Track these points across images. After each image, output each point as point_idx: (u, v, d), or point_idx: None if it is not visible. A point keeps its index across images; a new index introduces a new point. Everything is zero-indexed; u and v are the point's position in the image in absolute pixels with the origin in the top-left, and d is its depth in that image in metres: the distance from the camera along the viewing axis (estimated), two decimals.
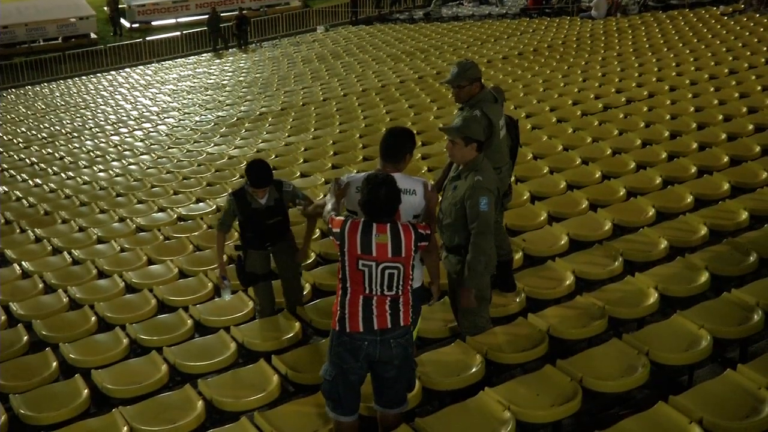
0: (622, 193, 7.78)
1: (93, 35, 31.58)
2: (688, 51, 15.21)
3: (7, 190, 12.31)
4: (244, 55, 27.41)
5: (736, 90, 11.51)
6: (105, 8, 32.64)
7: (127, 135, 16.59)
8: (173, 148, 14.49)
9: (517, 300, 5.77)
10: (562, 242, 6.71)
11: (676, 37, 16.94)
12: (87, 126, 18.27)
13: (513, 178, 6.21)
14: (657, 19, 19.70)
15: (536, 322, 5.31)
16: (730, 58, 13.95)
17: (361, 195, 4.15)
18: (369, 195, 4.07)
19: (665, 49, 15.79)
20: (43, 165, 14.16)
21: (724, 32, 16.75)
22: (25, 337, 6.26)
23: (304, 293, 6.31)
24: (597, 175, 8.45)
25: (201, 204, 9.91)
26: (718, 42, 15.70)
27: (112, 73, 27.07)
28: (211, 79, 23.23)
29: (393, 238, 4.04)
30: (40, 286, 7.50)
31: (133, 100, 21.39)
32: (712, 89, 11.81)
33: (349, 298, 4.09)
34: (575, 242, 6.75)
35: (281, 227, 5.88)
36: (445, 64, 18.04)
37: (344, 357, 4.14)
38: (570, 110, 11.97)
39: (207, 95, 20.43)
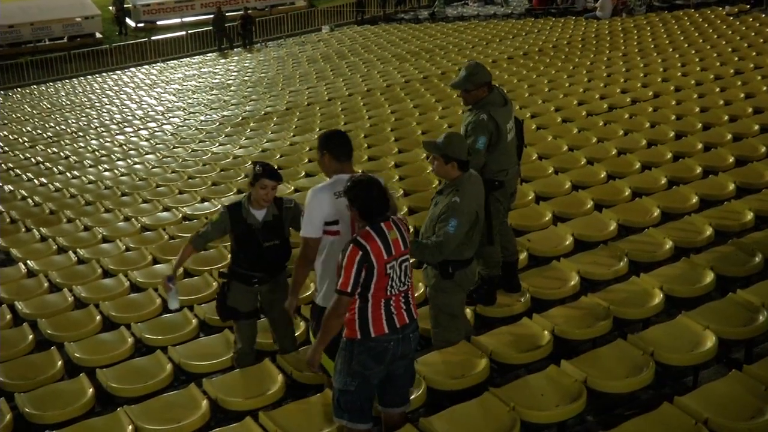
0: (627, 194, 7.76)
1: (98, 35, 31.59)
2: (693, 51, 15.18)
3: (12, 189, 12.32)
4: (249, 55, 27.42)
5: (741, 90, 11.49)
6: (110, 8, 32.74)
7: (132, 134, 16.61)
8: (178, 147, 14.50)
9: (522, 300, 5.77)
10: (567, 242, 6.71)
11: (682, 38, 16.90)
12: (92, 125, 18.29)
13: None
14: (662, 20, 19.65)
15: (541, 323, 5.30)
16: (736, 59, 13.92)
17: (355, 202, 4.01)
18: (366, 198, 3.99)
19: (670, 50, 15.75)
20: (48, 164, 14.16)
21: (730, 33, 16.70)
22: (30, 336, 6.27)
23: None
24: (602, 176, 8.44)
25: (206, 203, 9.91)
26: (724, 42, 15.67)
27: (118, 72, 27.09)
28: (216, 78, 23.24)
29: (398, 230, 4.09)
30: (45, 285, 7.51)
31: (138, 100, 21.42)
32: (717, 90, 11.78)
33: (371, 304, 4.04)
34: (580, 242, 6.75)
35: (278, 255, 5.17)
36: (450, 64, 18.04)
37: (367, 363, 4.09)
38: (575, 110, 11.94)
39: (212, 95, 20.44)
